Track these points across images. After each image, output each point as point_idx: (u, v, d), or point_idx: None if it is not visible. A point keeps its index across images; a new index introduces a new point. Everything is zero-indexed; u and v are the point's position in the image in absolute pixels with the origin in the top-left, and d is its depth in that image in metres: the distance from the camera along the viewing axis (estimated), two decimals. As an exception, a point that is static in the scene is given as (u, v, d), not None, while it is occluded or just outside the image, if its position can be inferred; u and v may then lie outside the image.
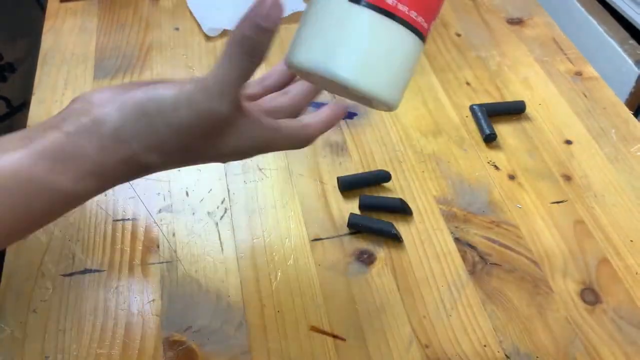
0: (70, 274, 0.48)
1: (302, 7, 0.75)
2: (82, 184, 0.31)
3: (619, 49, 1.05)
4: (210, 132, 0.33)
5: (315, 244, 0.51)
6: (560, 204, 0.55)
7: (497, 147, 0.60)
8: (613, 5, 1.15)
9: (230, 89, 0.32)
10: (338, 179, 0.55)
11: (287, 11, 0.75)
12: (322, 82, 0.35)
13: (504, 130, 0.62)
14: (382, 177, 0.56)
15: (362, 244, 0.51)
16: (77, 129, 0.30)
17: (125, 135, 0.31)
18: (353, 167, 0.57)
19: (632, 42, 1.06)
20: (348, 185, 0.55)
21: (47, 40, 0.69)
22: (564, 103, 0.65)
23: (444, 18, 0.76)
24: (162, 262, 0.49)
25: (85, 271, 0.49)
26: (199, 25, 0.73)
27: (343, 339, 0.45)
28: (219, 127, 0.33)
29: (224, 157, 0.35)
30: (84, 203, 0.32)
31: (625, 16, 1.12)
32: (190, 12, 0.74)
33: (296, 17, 0.74)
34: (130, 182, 0.44)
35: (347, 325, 0.46)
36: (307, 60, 0.33)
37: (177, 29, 0.72)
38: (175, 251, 0.50)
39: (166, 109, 0.31)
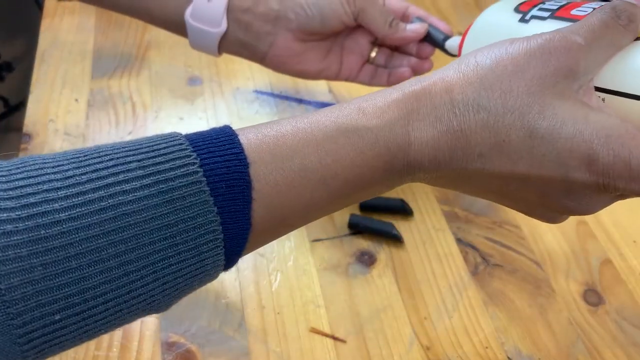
0: (68, 275, 0.48)
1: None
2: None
3: (620, 49, 1.05)
4: (543, 66, 0.28)
5: (315, 244, 0.51)
6: (562, 204, 0.55)
7: (499, 147, 0.60)
8: (613, 4, 1.14)
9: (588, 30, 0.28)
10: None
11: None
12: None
13: (505, 130, 0.62)
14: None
15: (362, 244, 0.51)
16: None
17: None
18: (353, 167, 0.57)
19: (633, 41, 1.06)
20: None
21: (45, 38, 0.69)
22: (565, 103, 0.65)
23: (446, 17, 0.76)
24: (161, 263, 0.49)
25: (83, 272, 0.48)
26: (198, 24, 0.72)
27: (343, 341, 0.45)
28: (555, 63, 0.28)
29: (544, 129, 0.27)
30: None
31: (625, 16, 1.12)
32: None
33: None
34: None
35: (348, 326, 0.46)
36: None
37: (175, 27, 0.71)
38: (173, 252, 0.50)
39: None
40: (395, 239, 0.51)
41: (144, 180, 0.24)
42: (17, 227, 0.22)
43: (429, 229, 0.52)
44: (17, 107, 0.96)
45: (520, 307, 0.47)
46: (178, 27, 0.50)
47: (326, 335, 0.45)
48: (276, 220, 0.28)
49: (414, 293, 0.48)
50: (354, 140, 0.28)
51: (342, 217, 0.53)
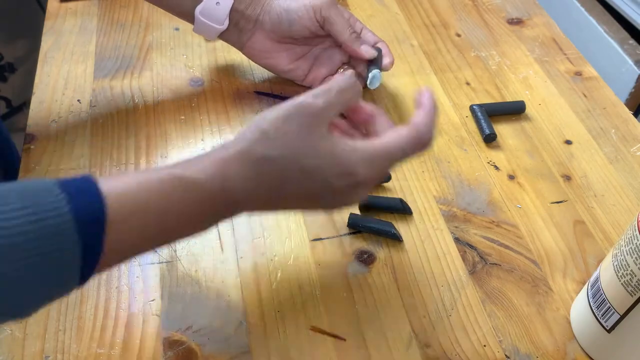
0: (70, 274, 0.48)
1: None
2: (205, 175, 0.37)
3: (619, 49, 1.05)
4: (306, 122, 0.39)
5: (315, 243, 0.51)
6: (560, 204, 0.55)
7: (497, 147, 0.60)
8: (613, 5, 1.15)
9: (325, 94, 0.41)
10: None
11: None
12: None
13: (504, 130, 0.62)
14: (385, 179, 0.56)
15: (362, 243, 0.51)
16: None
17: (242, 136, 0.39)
18: (353, 167, 0.57)
19: (632, 42, 1.06)
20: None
21: (47, 40, 0.70)
22: (563, 103, 0.65)
23: (444, 18, 0.76)
24: (162, 262, 0.50)
25: (85, 271, 0.49)
26: (199, 25, 0.73)
27: (343, 339, 0.45)
28: (313, 120, 0.39)
29: (315, 163, 0.39)
30: (217, 201, 0.38)
31: (625, 16, 1.12)
32: (190, 12, 0.74)
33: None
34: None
35: (347, 325, 0.46)
36: None
37: (177, 29, 0.72)
38: (175, 251, 0.50)
39: (275, 113, 0.40)
40: (394, 239, 0.51)
41: (24, 216, 0.30)
42: None
43: (428, 229, 0.53)
44: (20, 107, 0.97)
45: (518, 305, 0.48)
46: (187, 17, 0.60)
47: (326, 333, 0.46)
48: (125, 244, 0.34)
49: (412, 292, 0.48)
50: (184, 191, 0.36)
51: (341, 216, 0.53)
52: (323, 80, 0.63)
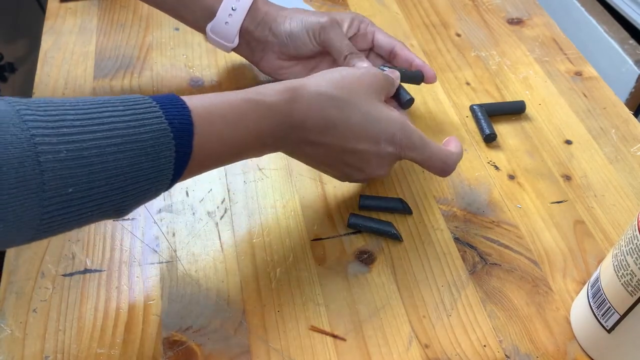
0: (70, 274, 0.48)
1: (302, 6, 0.75)
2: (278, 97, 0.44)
3: (619, 49, 1.05)
4: (374, 86, 0.49)
5: (315, 243, 0.51)
6: (560, 204, 0.55)
7: (497, 147, 0.60)
8: (613, 5, 1.15)
9: (387, 76, 0.53)
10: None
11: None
12: None
13: (504, 130, 0.62)
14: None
15: (362, 243, 0.51)
16: None
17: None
18: (353, 167, 0.57)
19: (632, 42, 1.06)
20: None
21: (47, 40, 0.70)
22: (563, 103, 0.65)
23: (444, 18, 0.76)
24: (162, 262, 0.50)
25: (85, 271, 0.49)
26: (199, 25, 0.73)
27: (343, 339, 0.45)
28: (378, 88, 0.49)
29: (370, 116, 0.47)
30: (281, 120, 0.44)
31: (625, 16, 1.12)
32: (190, 12, 0.74)
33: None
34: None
35: (347, 324, 0.46)
36: None
37: (177, 29, 0.72)
38: (175, 251, 0.50)
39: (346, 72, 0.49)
40: (394, 238, 0.51)
41: (126, 114, 0.37)
42: (47, 125, 0.33)
43: (428, 228, 0.53)
44: (20, 107, 0.96)
45: (518, 305, 0.48)
46: (201, 31, 0.62)
47: (326, 333, 0.46)
48: (211, 147, 0.41)
49: (412, 292, 0.48)
50: (256, 108, 0.43)
51: (341, 216, 0.53)
52: None
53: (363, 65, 0.56)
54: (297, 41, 0.59)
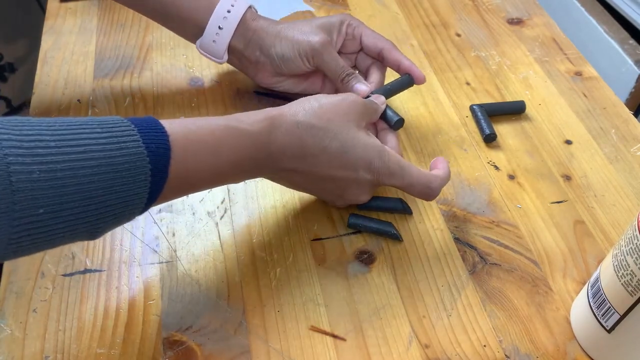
0: (70, 274, 0.48)
1: (302, 7, 0.75)
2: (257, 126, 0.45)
3: (619, 49, 1.05)
4: (352, 113, 0.49)
5: (315, 243, 0.51)
6: (560, 204, 0.55)
7: (497, 147, 0.60)
8: (613, 5, 1.15)
9: (370, 102, 0.53)
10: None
11: (287, 11, 0.75)
12: None
13: (504, 130, 0.62)
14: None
15: (362, 243, 0.51)
16: None
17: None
18: (353, 167, 0.57)
19: (632, 42, 1.06)
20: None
21: (47, 40, 0.70)
22: (563, 103, 0.65)
23: (444, 18, 0.76)
24: (162, 262, 0.50)
25: (85, 271, 0.49)
26: (199, 25, 0.72)
27: (343, 339, 0.45)
28: (358, 114, 0.49)
29: (347, 145, 0.47)
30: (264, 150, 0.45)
31: (625, 16, 1.12)
32: (190, 12, 0.74)
33: (296, 17, 0.74)
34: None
35: (347, 324, 0.46)
36: None
37: (177, 29, 0.72)
38: (175, 251, 0.50)
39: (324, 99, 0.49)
40: (394, 238, 0.51)
41: (103, 137, 0.37)
42: (22, 144, 0.33)
43: (428, 229, 0.53)
44: (20, 107, 0.97)
45: (518, 305, 0.48)
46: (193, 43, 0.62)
47: (326, 333, 0.46)
48: (188, 172, 0.41)
49: (412, 292, 0.48)
50: (236, 135, 0.44)
51: (341, 216, 0.53)
52: (337, 91, 0.61)
53: (361, 88, 0.56)
54: (290, 64, 0.58)
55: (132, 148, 0.37)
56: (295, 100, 0.49)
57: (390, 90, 0.58)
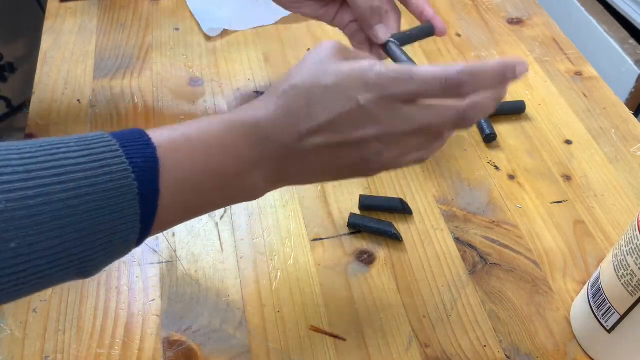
0: (70, 274, 0.48)
1: (302, 7, 0.75)
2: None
3: (619, 49, 1.05)
4: (324, 55, 0.40)
5: (315, 243, 0.51)
6: (560, 204, 0.55)
7: (497, 147, 0.60)
8: (613, 5, 1.15)
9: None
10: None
11: (287, 11, 0.75)
12: None
13: (504, 130, 0.62)
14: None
15: (362, 243, 0.51)
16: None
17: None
18: (353, 167, 0.57)
19: (632, 42, 1.06)
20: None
21: (47, 40, 0.70)
22: (563, 103, 0.65)
23: (444, 18, 0.76)
24: (162, 262, 0.49)
25: (85, 271, 0.49)
26: (199, 25, 0.73)
27: (343, 339, 0.45)
28: (331, 53, 0.40)
29: (330, 79, 0.39)
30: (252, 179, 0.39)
31: (625, 16, 1.12)
32: (190, 12, 0.75)
33: (296, 17, 0.74)
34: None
35: (347, 325, 0.46)
36: None
37: (177, 29, 0.72)
38: (175, 251, 0.50)
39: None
40: (394, 239, 0.51)
41: (81, 155, 0.33)
42: None
43: (428, 229, 0.53)
44: (20, 107, 0.97)
45: (518, 305, 0.48)
46: None
47: (326, 333, 0.46)
48: (182, 185, 0.36)
49: (412, 292, 0.48)
50: (226, 128, 0.38)
51: (341, 216, 0.53)
52: (347, 25, 0.59)
53: (381, 31, 0.53)
54: None
55: (114, 165, 0.33)
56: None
57: (409, 37, 0.55)
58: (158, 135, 0.36)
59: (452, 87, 0.38)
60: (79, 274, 0.33)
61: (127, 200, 0.33)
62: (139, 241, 0.35)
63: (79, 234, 0.32)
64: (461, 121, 0.39)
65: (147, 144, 0.35)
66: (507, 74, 0.38)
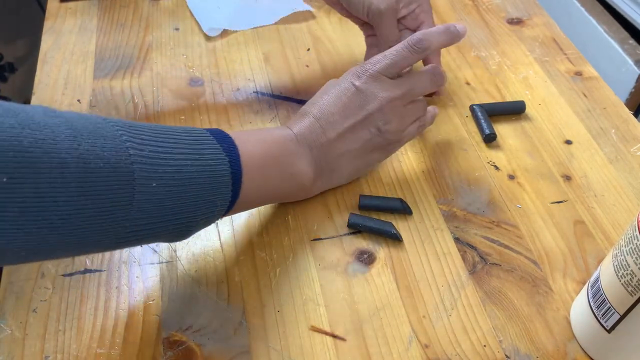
0: (70, 274, 0.48)
1: (302, 7, 0.75)
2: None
3: (619, 49, 1.05)
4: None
5: (315, 243, 0.51)
6: (560, 204, 0.55)
7: (497, 147, 0.60)
8: (613, 5, 1.15)
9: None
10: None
11: (287, 11, 0.75)
12: None
13: (504, 130, 0.62)
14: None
15: (362, 243, 0.51)
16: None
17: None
18: (353, 167, 0.57)
19: (632, 42, 1.06)
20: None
21: (47, 40, 0.70)
22: (563, 103, 0.65)
23: (444, 18, 0.76)
24: (162, 262, 0.50)
25: (85, 271, 0.49)
26: (199, 25, 0.73)
27: (343, 339, 0.45)
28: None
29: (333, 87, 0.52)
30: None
31: (625, 16, 1.12)
32: (190, 12, 0.75)
33: (296, 17, 0.74)
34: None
35: (347, 325, 0.46)
36: None
37: (177, 29, 0.72)
38: (175, 251, 0.50)
39: None
40: (394, 238, 0.51)
41: (192, 155, 0.42)
42: (143, 154, 0.39)
43: (428, 229, 0.53)
44: (20, 107, 0.96)
45: (518, 305, 0.48)
46: None
47: (326, 333, 0.46)
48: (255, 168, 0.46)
49: (412, 292, 0.48)
50: (287, 139, 0.50)
51: (341, 216, 0.53)
52: (366, 37, 0.66)
53: None
54: (351, 3, 0.60)
55: (215, 155, 0.42)
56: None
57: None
58: (226, 131, 0.45)
59: (415, 43, 0.51)
60: (179, 236, 0.42)
61: (224, 183, 0.42)
62: (223, 215, 0.45)
63: (192, 200, 0.41)
64: (433, 76, 0.54)
65: (226, 135, 0.44)
66: (450, 28, 0.53)
